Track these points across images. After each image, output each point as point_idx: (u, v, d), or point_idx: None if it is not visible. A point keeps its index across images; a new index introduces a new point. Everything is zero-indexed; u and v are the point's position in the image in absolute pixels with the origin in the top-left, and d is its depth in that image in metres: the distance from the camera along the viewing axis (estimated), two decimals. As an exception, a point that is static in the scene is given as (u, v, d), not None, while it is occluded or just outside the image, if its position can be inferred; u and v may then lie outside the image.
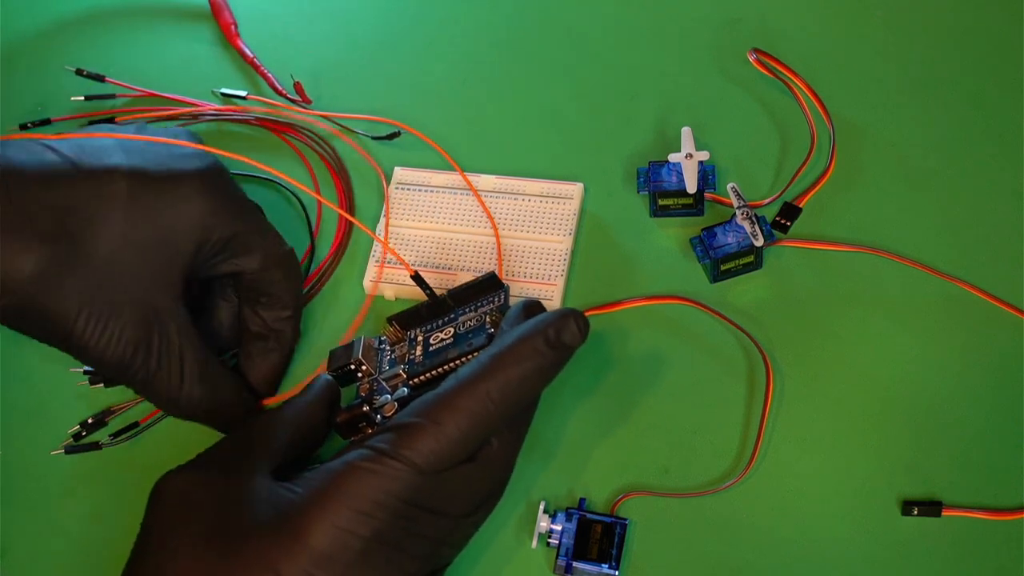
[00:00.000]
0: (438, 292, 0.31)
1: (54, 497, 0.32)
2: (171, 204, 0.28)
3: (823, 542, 0.29)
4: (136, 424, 0.33)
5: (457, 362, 0.29)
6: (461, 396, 0.25)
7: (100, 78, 0.39)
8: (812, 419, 0.31)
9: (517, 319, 0.28)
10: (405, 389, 0.29)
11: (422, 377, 0.29)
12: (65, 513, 0.32)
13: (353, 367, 0.30)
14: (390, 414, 0.29)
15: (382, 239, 0.33)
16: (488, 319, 0.30)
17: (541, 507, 0.29)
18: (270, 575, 0.24)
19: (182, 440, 0.33)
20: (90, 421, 0.33)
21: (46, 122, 0.39)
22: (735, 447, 0.31)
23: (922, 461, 0.30)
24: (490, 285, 0.30)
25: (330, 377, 0.30)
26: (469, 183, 0.36)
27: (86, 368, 0.33)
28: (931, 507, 0.29)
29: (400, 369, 0.30)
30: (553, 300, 0.33)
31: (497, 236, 0.34)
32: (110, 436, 0.33)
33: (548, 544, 0.29)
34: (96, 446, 0.32)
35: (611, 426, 0.32)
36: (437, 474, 0.25)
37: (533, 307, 0.29)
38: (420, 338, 0.30)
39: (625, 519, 0.29)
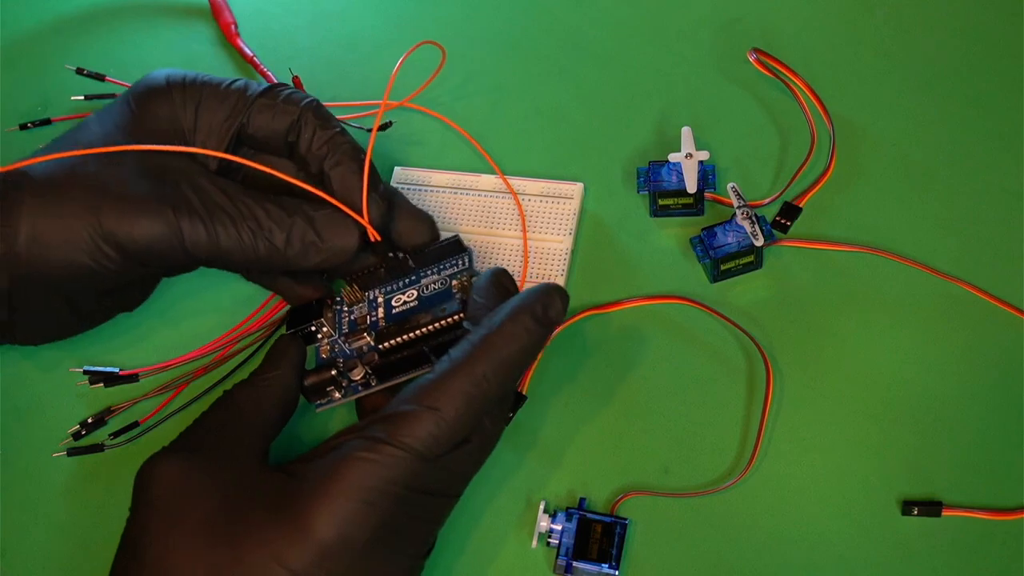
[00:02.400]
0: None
1: (54, 497, 0.32)
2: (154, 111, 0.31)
3: (823, 542, 0.29)
4: (136, 423, 0.33)
5: (429, 328, 0.29)
6: (457, 379, 0.26)
7: (100, 77, 0.40)
8: (812, 419, 0.31)
9: (488, 288, 0.28)
10: (374, 353, 0.29)
11: (392, 342, 0.29)
12: (65, 512, 0.32)
13: (313, 328, 0.30)
14: (358, 378, 0.29)
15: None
16: (454, 283, 0.29)
17: (541, 507, 0.29)
18: (276, 566, 0.24)
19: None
20: (90, 421, 0.33)
21: (46, 122, 0.39)
22: (735, 447, 0.31)
23: (922, 461, 0.30)
24: (453, 248, 0.30)
25: (295, 336, 0.30)
26: (506, 182, 0.36)
27: (86, 368, 0.33)
28: (931, 507, 0.29)
29: (364, 332, 0.29)
30: (553, 300, 0.34)
31: (525, 235, 0.34)
32: (110, 435, 0.32)
33: (548, 544, 0.29)
34: (99, 448, 0.32)
35: (611, 425, 0.32)
36: (437, 458, 0.25)
37: (503, 277, 0.29)
38: (381, 299, 0.30)
39: (625, 519, 0.29)
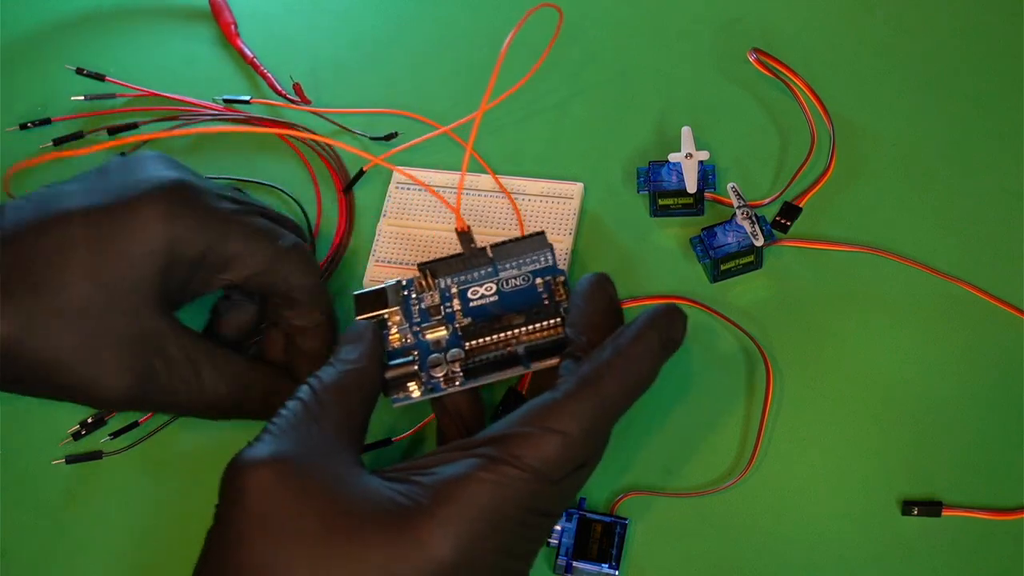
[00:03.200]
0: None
1: (54, 497, 0.32)
2: (128, 234, 0.27)
3: (823, 542, 0.29)
4: (136, 423, 0.33)
5: (523, 329, 0.28)
6: (587, 401, 0.25)
7: (100, 77, 0.39)
8: (812, 419, 0.31)
9: (591, 296, 0.28)
10: (457, 350, 0.28)
11: (481, 340, 0.28)
12: (65, 512, 0.32)
13: (386, 317, 0.29)
14: (440, 375, 0.28)
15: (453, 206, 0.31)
16: (538, 280, 0.28)
17: (541, 507, 0.29)
18: None
19: (183, 439, 0.33)
20: (89, 421, 0.33)
21: (46, 121, 0.39)
22: (735, 447, 0.31)
23: (922, 461, 0.30)
24: (536, 243, 0.29)
25: (374, 325, 0.28)
26: (501, 185, 0.36)
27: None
28: (931, 507, 0.29)
29: (440, 324, 0.28)
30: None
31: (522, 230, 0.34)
32: (110, 435, 0.32)
33: (548, 544, 0.29)
34: (97, 455, 0.32)
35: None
36: (559, 481, 0.25)
37: (606, 283, 0.28)
38: (455, 290, 0.29)
39: (625, 519, 0.29)
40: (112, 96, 0.39)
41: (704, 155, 0.34)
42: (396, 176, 0.37)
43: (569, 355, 0.27)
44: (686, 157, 0.34)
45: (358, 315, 0.29)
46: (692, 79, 0.38)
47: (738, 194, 0.32)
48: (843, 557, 0.29)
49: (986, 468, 0.30)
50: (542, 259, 0.29)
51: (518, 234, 0.34)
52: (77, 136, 0.39)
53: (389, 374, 0.28)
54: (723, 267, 0.33)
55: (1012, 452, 0.30)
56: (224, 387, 0.29)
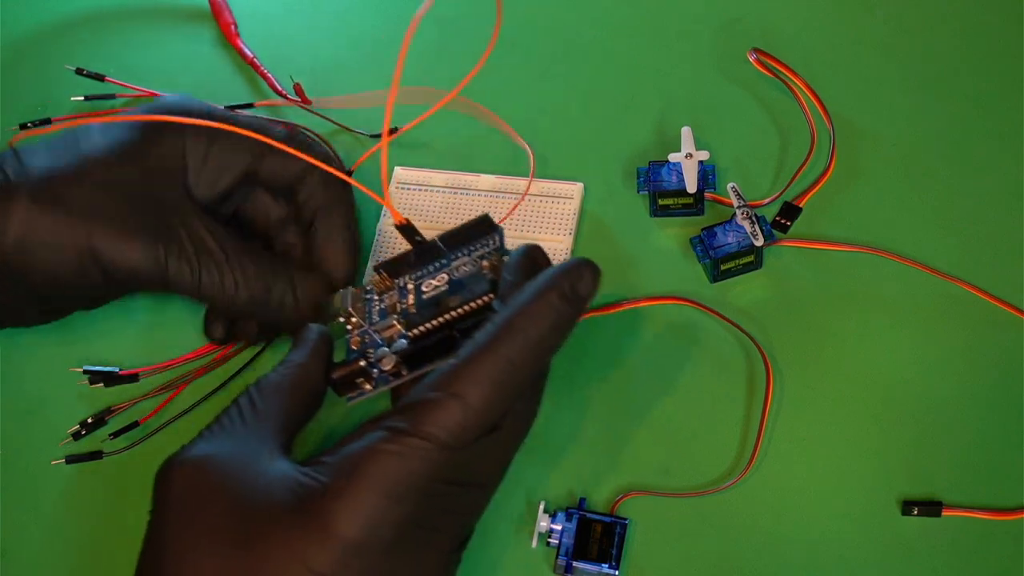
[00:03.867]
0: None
1: (54, 497, 0.32)
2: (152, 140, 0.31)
3: (823, 542, 0.29)
4: (136, 423, 0.33)
5: (459, 310, 0.28)
6: (482, 364, 0.24)
7: (100, 78, 0.39)
8: (812, 419, 0.31)
9: (519, 266, 0.27)
10: (404, 341, 0.28)
11: (421, 328, 0.28)
12: (66, 512, 0.32)
13: (342, 319, 0.29)
14: (388, 368, 0.28)
15: (383, 197, 0.30)
16: (485, 263, 0.28)
17: (541, 507, 0.29)
18: (299, 567, 0.23)
19: (183, 439, 0.33)
20: (90, 421, 0.33)
21: (46, 122, 0.39)
22: (735, 447, 0.31)
23: (922, 461, 0.30)
24: (483, 227, 0.29)
25: (323, 326, 0.29)
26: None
27: (86, 367, 0.33)
28: (931, 507, 0.29)
29: (394, 320, 0.28)
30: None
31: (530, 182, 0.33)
32: (110, 435, 0.32)
33: (548, 544, 0.29)
34: (97, 455, 0.32)
35: (611, 426, 0.31)
36: (466, 448, 0.24)
37: (535, 253, 0.27)
38: (411, 286, 0.29)
39: (625, 519, 0.29)
40: (112, 96, 0.39)
41: (704, 155, 0.34)
42: (397, 175, 0.37)
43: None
44: (686, 157, 0.34)
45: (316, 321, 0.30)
46: (692, 79, 0.38)
47: (738, 194, 0.32)
48: (843, 557, 0.29)
49: (986, 468, 0.30)
50: (491, 243, 0.29)
51: (521, 236, 0.34)
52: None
53: (336, 374, 0.28)
54: (723, 267, 0.33)
55: (1012, 452, 0.30)
56: (253, 270, 0.30)
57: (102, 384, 0.33)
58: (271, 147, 0.31)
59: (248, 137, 0.30)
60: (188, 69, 0.41)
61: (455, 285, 0.28)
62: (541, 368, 0.26)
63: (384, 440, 0.24)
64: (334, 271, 0.32)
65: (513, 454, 0.26)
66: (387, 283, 0.30)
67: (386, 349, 0.28)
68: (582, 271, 0.25)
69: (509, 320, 0.25)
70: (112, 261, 0.29)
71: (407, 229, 0.29)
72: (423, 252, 0.29)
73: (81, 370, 0.33)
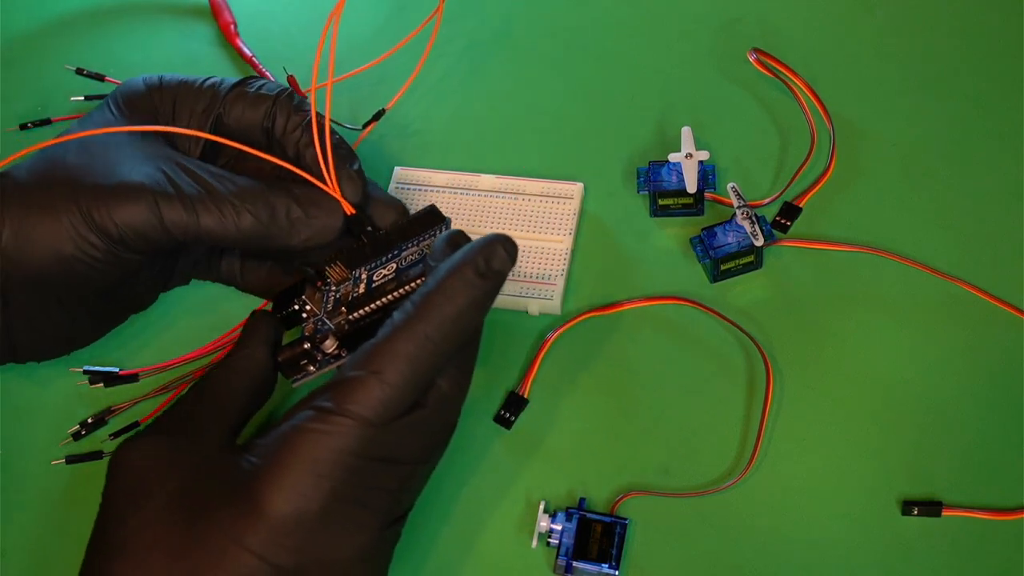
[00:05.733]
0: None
1: (55, 497, 0.32)
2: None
3: (823, 542, 0.29)
4: (137, 424, 0.33)
5: (395, 294, 0.29)
6: (398, 341, 0.25)
7: (100, 78, 0.39)
8: (812, 419, 0.31)
9: (443, 251, 0.27)
10: (345, 325, 0.29)
11: (359, 312, 0.29)
12: (66, 513, 0.32)
13: (297, 307, 0.30)
14: (330, 351, 0.29)
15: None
16: (428, 251, 0.29)
17: (541, 507, 0.29)
18: (234, 547, 0.24)
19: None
20: (90, 421, 0.33)
21: (46, 122, 0.39)
22: (735, 447, 0.31)
23: (922, 461, 0.30)
24: (431, 219, 0.30)
25: (267, 312, 0.30)
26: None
27: (86, 367, 0.33)
28: (931, 507, 0.29)
29: (343, 307, 0.29)
30: (553, 300, 0.33)
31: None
32: (111, 436, 0.32)
33: (548, 544, 0.29)
34: (97, 455, 0.32)
35: (611, 426, 0.31)
36: (387, 424, 0.25)
37: (458, 237, 0.28)
38: (364, 276, 0.30)
39: (625, 519, 0.29)
40: None
41: (704, 155, 0.34)
42: (396, 175, 0.37)
43: None
44: (686, 157, 0.34)
45: (275, 310, 0.31)
46: (692, 79, 0.38)
47: (738, 194, 0.32)
48: (843, 557, 0.29)
49: (986, 468, 0.30)
50: (438, 233, 0.30)
51: (520, 236, 0.34)
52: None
53: (282, 357, 0.29)
54: (723, 267, 0.33)
55: (1012, 452, 0.30)
56: (246, 191, 0.29)
57: (102, 384, 0.33)
58: (225, 93, 0.31)
59: (203, 90, 0.31)
60: (188, 69, 0.40)
61: (401, 273, 0.29)
62: (460, 344, 0.26)
63: (310, 419, 0.25)
64: (344, 189, 0.30)
65: (443, 432, 0.27)
66: (344, 273, 0.30)
67: (327, 332, 0.29)
68: (495, 246, 0.26)
69: (424, 297, 0.25)
70: (106, 220, 0.28)
71: (357, 220, 0.30)
72: (378, 243, 0.30)
73: (81, 370, 0.33)
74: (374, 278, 0.30)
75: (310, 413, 0.25)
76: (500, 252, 0.26)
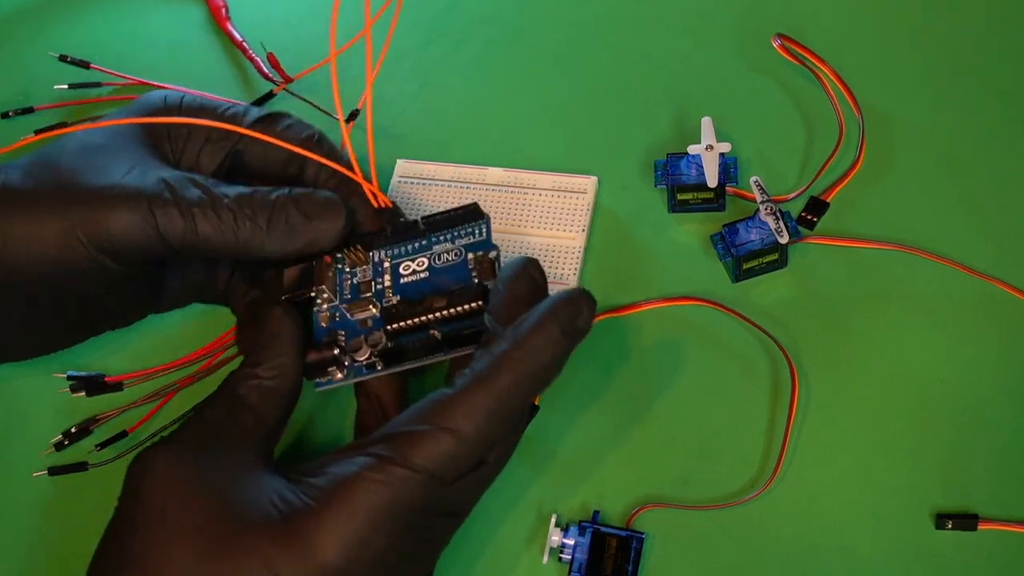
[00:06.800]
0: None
1: (37, 511, 0.31)
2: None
3: (852, 557, 0.28)
4: (124, 433, 0.31)
5: (443, 312, 0.27)
6: (480, 397, 0.24)
7: (85, 65, 0.38)
8: (840, 426, 0.30)
9: (514, 282, 0.27)
10: (383, 335, 0.27)
11: (402, 323, 0.27)
12: (48, 527, 0.31)
13: (313, 294, 0.28)
14: (362, 359, 0.27)
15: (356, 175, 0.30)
16: (470, 256, 0.28)
17: (553, 520, 0.29)
18: None
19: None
20: (73, 430, 0.31)
21: (29, 110, 0.38)
22: (758, 457, 0.30)
23: (957, 471, 0.29)
24: (470, 214, 0.29)
25: (292, 309, 0.28)
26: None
27: (70, 373, 0.32)
28: (967, 520, 0.28)
29: (369, 302, 0.28)
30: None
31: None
32: (96, 446, 0.31)
33: (560, 559, 0.28)
34: (82, 466, 0.31)
35: (627, 435, 0.31)
36: (454, 481, 0.25)
37: (532, 269, 0.27)
38: (387, 264, 0.28)
39: (642, 533, 0.29)
40: (98, 84, 0.38)
41: (726, 147, 0.33)
42: (399, 168, 0.36)
43: (484, 345, 0.26)
44: (706, 149, 0.33)
45: (284, 295, 0.29)
46: (713, 66, 0.37)
47: (761, 188, 0.32)
48: (874, 573, 0.28)
49: (1025, 480, 0.29)
50: (476, 232, 0.29)
51: (531, 232, 0.33)
52: (60, 126, 0.38)
53: (310, 357, 0.28)
54: (746, 266, 0.32)
55: (1053, 463, 0.29)
56: (244, 197, 0.28)
57: (83, 393, 0.32)
58: (247, 127, 0.30)
59: (223, 119, 0.30)
60: (176, 54, 0.40)
61: (436, 273, 0.28)
62: (530, 401, 0.26)
63: (371, 468, 0.24)
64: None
65: (491, 484, 0.27)
66: (361, 256, 0.29)
67: (362, 339, 0.28)
68: (580, 304, 0.26)
69: (509, 353, 0.25)
70: (99, 229, 0.27)
71: (390, 212, 0.29)
72: (400, 229, 0.29)
73: (64, 375, 0.32)
74: (400, 271, 0.28)
75: (371, 461, 0.24)
76: (585, 312, 0.26)
